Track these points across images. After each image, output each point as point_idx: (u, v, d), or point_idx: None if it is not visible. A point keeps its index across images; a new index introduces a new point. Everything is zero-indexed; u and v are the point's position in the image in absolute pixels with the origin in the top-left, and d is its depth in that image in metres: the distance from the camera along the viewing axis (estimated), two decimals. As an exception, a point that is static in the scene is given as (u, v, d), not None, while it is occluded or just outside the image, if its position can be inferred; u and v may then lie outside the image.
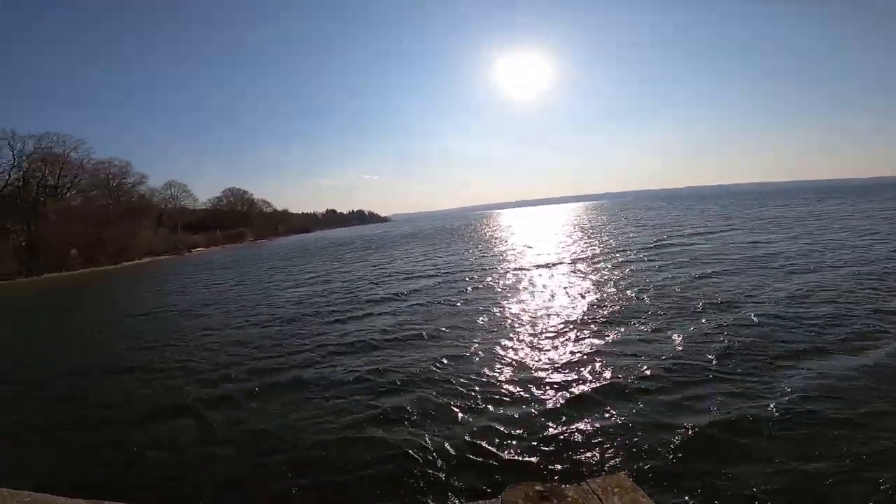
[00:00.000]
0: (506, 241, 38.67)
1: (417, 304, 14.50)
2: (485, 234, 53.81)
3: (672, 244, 24.61)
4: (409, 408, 6.67)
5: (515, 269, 20.54)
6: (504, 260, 24.93)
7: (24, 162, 59.20)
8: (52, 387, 9.67)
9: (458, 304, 13.90)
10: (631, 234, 33.39)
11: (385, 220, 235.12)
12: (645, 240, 28.30)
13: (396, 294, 16.82)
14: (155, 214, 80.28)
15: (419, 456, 5.32)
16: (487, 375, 7.66)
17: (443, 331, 10.85)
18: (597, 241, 30.32)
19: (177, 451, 6.13)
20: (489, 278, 18.65)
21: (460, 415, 6.36)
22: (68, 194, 64.71)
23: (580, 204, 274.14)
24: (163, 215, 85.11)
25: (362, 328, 12.07)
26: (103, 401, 8.44)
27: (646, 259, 19.97)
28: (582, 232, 41.20)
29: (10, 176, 58.33)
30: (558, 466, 4.91)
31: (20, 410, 8.39)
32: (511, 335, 9.94)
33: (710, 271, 15.48)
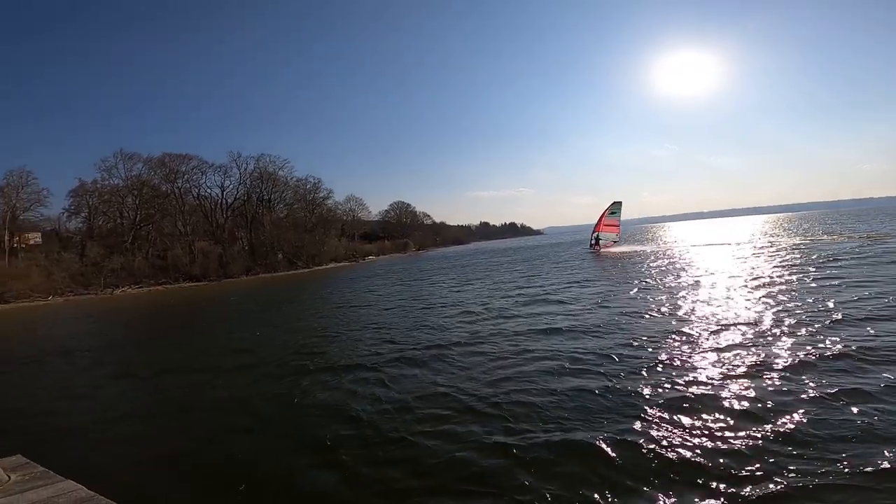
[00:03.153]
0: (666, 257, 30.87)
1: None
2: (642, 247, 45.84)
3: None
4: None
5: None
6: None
7: (247, 179, 71.06)
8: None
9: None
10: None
11: (538, 232, 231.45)
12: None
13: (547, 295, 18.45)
14: (339, 225, 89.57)
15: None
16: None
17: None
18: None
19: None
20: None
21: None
22: (277, 207, 75.66)
23: (772, 216, 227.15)
24: (344, 226, 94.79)
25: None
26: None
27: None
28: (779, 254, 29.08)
29: (237, 192, 70.54)
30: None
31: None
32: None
33: None
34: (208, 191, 69.26)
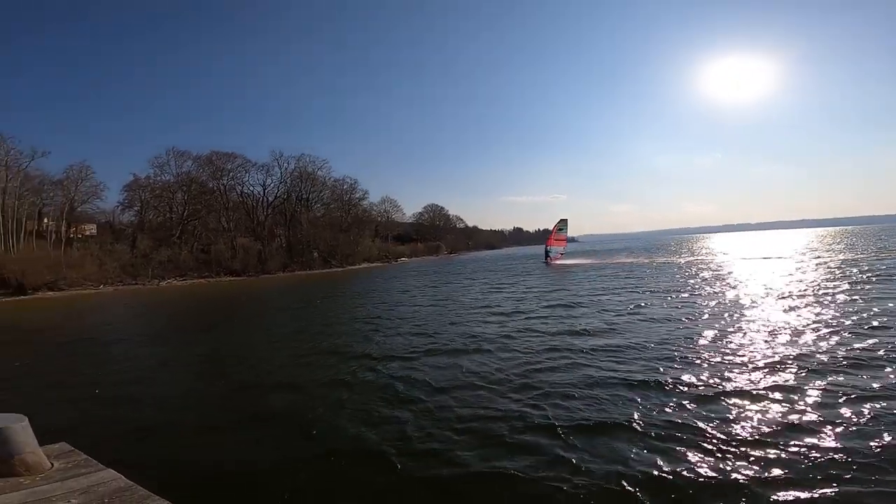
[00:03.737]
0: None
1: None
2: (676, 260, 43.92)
3: None
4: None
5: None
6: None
7: (288, 178, 72.59)
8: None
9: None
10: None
11: (572, 240, 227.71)
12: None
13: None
14: (373, 226, 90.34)
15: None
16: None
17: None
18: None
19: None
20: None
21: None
22: (315, 206, 76.94)
23: (825, 230, 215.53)
24: (378, 227, 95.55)
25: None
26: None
27: None
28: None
29: (278, 190, 72.19)
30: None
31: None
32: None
33: None
34: (251, 189, 71.24)
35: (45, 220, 54.67)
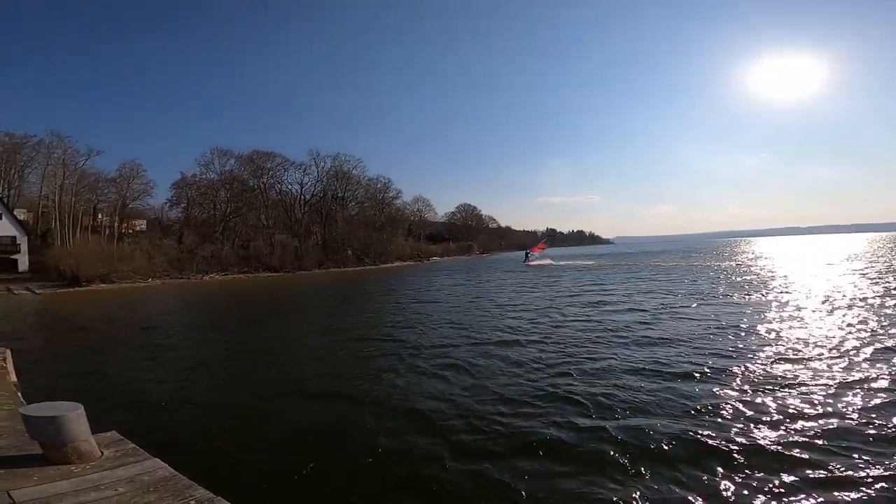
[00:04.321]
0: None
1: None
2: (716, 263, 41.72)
3: None
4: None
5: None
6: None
7: (324, 177, 74.03)
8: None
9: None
10: None
11: (606, 241, 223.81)
12: None
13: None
14: (406, 225, 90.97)
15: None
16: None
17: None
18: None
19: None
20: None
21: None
22: (349, 205, 78.18)
23: (885, 234, 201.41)
24: (410, 226, 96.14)
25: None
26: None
27: None
28: None
29: (315, 188, 73.74)
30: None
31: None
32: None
33: None
34: (289, 187, 73.13)
35: (100, 216, 57.86)
